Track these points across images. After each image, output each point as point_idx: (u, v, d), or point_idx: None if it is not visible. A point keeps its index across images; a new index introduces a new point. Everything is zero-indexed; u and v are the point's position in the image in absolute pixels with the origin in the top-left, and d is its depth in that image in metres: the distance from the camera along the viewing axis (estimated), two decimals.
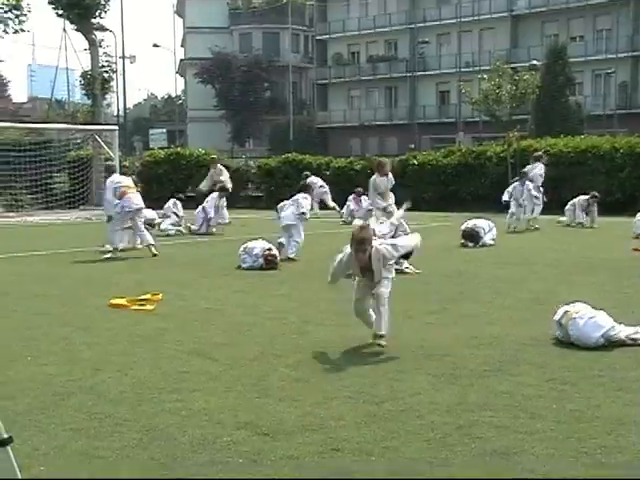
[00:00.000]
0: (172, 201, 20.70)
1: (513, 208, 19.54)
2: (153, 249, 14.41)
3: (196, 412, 4.97)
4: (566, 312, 6.74)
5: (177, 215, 20.34)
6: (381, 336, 6.58)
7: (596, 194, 20.90)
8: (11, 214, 28.32)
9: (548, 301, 8.65)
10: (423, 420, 4.77)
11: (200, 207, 19.84)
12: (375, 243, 6.65)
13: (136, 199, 14.69)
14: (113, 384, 5.64)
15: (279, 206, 26.61)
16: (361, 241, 6.54)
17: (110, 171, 15.71)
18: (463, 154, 29.80)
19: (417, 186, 29.89)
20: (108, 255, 14.11)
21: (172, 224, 19.77)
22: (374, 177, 15.26)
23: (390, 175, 15.77)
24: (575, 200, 21.12)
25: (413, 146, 51.67)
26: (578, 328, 6.54)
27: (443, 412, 4.92)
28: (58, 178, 33.72)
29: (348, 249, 6.75)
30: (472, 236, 15.50)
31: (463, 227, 15.87)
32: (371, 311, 6.83)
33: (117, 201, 14.43)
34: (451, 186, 29.33)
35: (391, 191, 14.73)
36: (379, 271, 6.60)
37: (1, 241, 17.04)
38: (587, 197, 20.87)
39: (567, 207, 21.15)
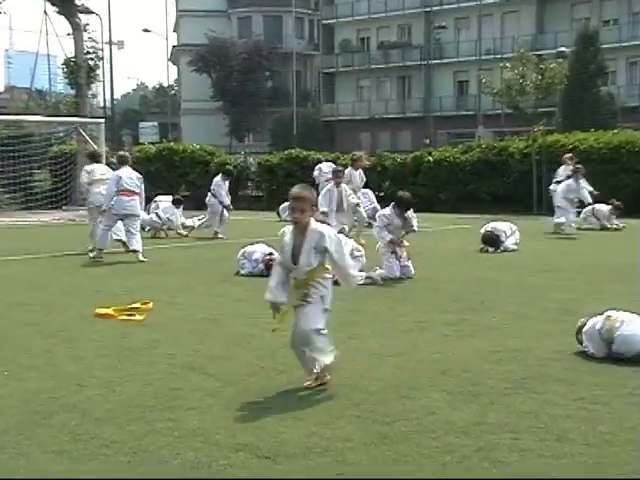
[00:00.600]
0: (154, 204, 20.91)
1: (567, 206, 19.55)
2: (140, 256, 14.48)
3: (190, 432, 4.98)
4: (609, 317, 6.74)
5: (159, 217, 20.32)
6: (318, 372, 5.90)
7: (620, 205, 20.98)
8: None
9: (576, 312, 8.64)
10: (439, 442, 4.77)
11: (217, 204, 19.86)
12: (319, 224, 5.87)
13: (129, 203, 14.82)
14: (99, 402, 5.65)
15: (281, 207, 26.87)
16: (298, 198, 5.74)
17: (123, 162, 15.32)
18: (483, 150, 29.81)
19: (432, 185, 29.95)
20: (93, 254, 14.58)
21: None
22: (348, 170, 16.07)
23: (359, 170, 16.21)
24: (595, 208, 21.09)
25: (428, 141, 51.74)
26: (625, 334, 6.52)
27: (460, 433, 4.92)
28: (39, 175, 33.79)
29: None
30: (492, 240, 15.49)
31: (483, 230, 15.86)
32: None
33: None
34: (470, 185, 29.34)
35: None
36: (308, 254, 5.71)
37: None
38: (609, 207, 20.98)
39: (584, 214, 21.16)
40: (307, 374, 6.00)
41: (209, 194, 20.07)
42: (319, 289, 5.86)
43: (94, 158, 16.56)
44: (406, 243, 12.15)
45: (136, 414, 5.35)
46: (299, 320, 5.82)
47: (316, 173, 24.46)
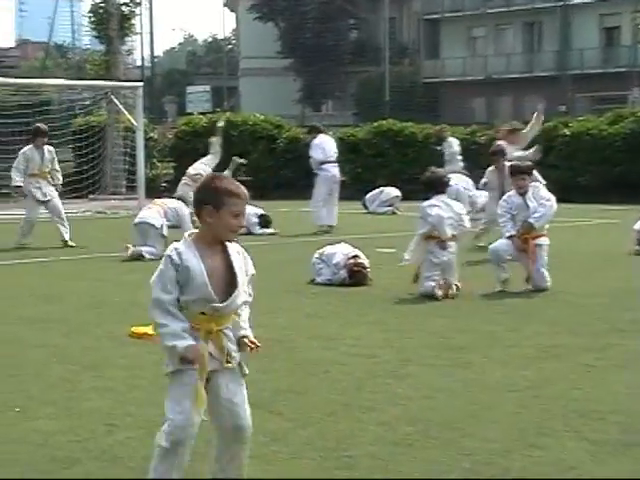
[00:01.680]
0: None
1: None
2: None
3: None
4: None
5: None
6: None
7: None
8: None
9: None
10: None
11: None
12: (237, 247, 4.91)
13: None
14: (134, 446, 5.71)
15: (368, 196, 26.85)
16: (206, 188, 4.81)
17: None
18: (639, 119, 29.35)
19: (569, 166, 29.60)
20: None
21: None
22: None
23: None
24: None
25: (564, 108, 51.13)
26: None
27: None
28: (59, 155, 34.26)
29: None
30: None
31: (637, 227, 15.66)
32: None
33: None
34: (620, 166, 28.95)
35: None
36: (243, 282, 4.81)
37: None
38: None
39: None
40: None
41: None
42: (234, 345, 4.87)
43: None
44: (544, 241, 11.94)
45: None
46: (236, 407, 4.78)
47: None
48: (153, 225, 15.35)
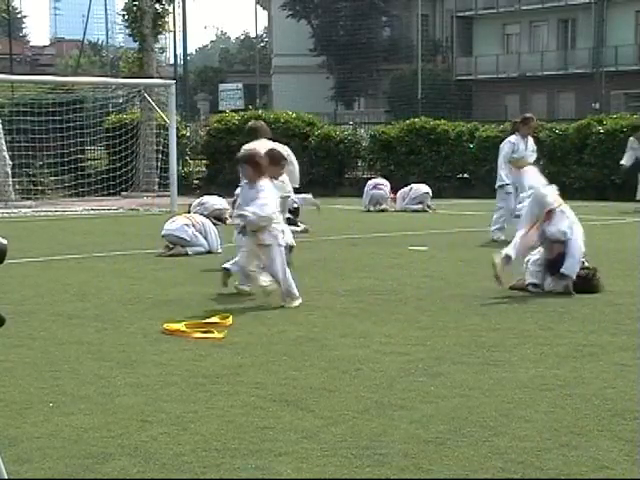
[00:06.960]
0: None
1: None
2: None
3: None
4: None
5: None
6: None
7: None
8: (27, 203, 29.08)
9: None
10: None
11: None
12: None
13: None
14: (167, 443, 5.73)
15: (397, 194, 26.73)
16: None
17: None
18: None
19: (604, 165, 29.43)
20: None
21: None
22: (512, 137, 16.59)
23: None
24: None
25: (598, 106, 50.88)
26: None
27: None
28: (92, 153, 34.54)
29: None
30: None
31: None
32: None
33: None
34: None
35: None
36: None
37: (18, 241, 17.58)
38: None
39: None
40: None
41: None
42: None
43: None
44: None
45: (214, 459, 5.41)
46: None
47: None
48: (183, 238, 15.31)
